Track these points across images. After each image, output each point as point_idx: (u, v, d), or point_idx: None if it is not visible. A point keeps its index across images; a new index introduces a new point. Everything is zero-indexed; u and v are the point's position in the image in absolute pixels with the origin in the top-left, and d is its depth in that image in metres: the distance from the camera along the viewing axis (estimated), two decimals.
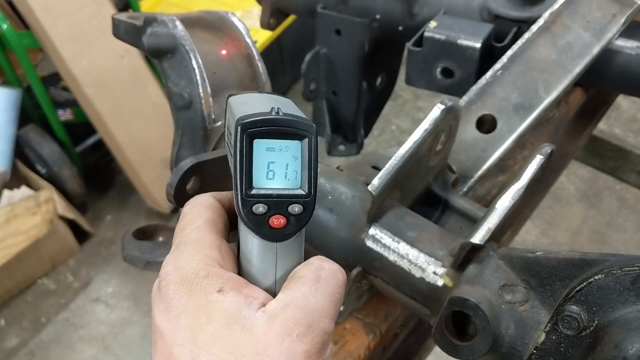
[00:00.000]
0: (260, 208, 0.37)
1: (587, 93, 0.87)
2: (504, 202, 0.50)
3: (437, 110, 0.55)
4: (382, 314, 0.65)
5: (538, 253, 0.47)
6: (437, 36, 0.77)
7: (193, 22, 0.62)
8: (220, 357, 0.34)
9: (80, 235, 2.19)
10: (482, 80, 0.71)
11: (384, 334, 0.64)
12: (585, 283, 0.42)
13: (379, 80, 1.02)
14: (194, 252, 0.38)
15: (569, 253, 0.45)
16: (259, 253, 0.39)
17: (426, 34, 0.77)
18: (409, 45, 0.80)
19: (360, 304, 0.59)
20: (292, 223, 0.37)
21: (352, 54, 0.95)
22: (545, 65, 0.71)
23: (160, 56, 0.58)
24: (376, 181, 0.52)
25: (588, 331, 0.42)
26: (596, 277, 0.42)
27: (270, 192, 0.37)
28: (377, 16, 0.91)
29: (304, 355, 0.35)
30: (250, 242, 0.39)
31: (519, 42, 0.72)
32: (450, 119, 0.57)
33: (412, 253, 0.52)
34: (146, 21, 0.58)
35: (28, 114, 2.29)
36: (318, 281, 0.38)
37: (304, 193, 0.37)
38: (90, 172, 2.32)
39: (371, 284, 0.57)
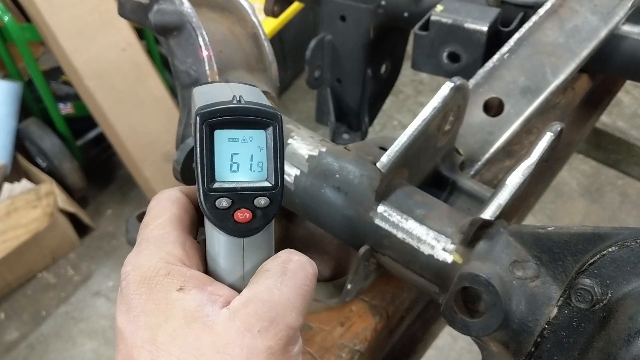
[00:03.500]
0: (223, 202, 0.35)
1: (593, 80, 0.87)
2: (515, 178, 0.50)
3: (446, 88, 0.55)
4: (389, 296, 0.65)
5: (549, 228, 0.47)
6: (443, 20, 0.76)
7: (199, 1, 0.62)
8: (180, 357, 0.33)
9: (81, 229, 2.18)
10: (490, 64, 0.71)
11: (391, 316, 0.64)
12: (598, 256, 0.42)
13: (383, 67, 1.02)
14: (155, 250, 0.37)
15: (581, 227, 0.44)
16: (225, 249, 0.37)
17: (433, 17, 0.77)
18: (415, 29, 0.79)
19: (368, 284, 0.59)
20: (258, 217, 0.36)
21: (357, 41, 0.95)
22: (552, 48, 0.70)
23: (167, 33, 0.58)
24: (385, 158, 0.52)
25: (601, 305, 0.41)
26: (610, 249, 0.41)
27: (234, 185, 0.35)
28: (383, 2, 0.90)
29: (267, 351, 0.33)
30: (216, 238, 0.37)
31: (526, 26, 0.71)
32: (459, 98, 0.57)
33: (421, 230, 0.51)
34: None
35: (29, 107, 2.29)
36: (284, 274, 0.36)
37: (270, 185, 0.36)
38: (91, 166, 2.32)
39: (378, 264, 0.57)
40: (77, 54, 2.04)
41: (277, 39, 2.42)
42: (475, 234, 0.49)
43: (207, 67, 0.57)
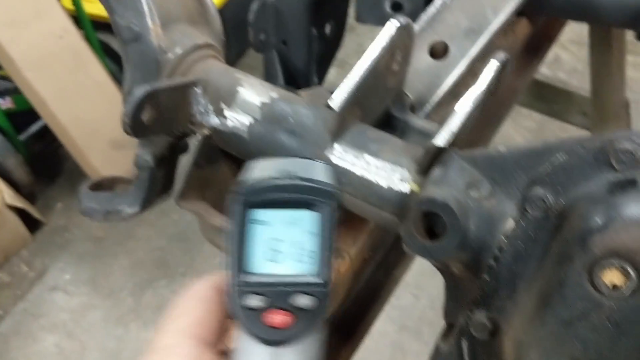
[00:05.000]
0: (254, 300, 0.28)
1: (533, 25, 0.89)
2: (464, 105, 0.51)
3: (391, 27, 0.55)
4: (350, 239, 0.65)
5: (501, 149, 0.48)
6: None
7: None
8: None
9: (32, 224, 2.12)
10: (432, 9, 0.72)
11: (354, 258, 0.64)
12: (548, 165, 0.43)
13: (328, 27, 1.02)
14: (167, 354, 0.32)
15: (531, 143, 0.46)
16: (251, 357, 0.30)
17: None
18: None
19: None
20: (300, 321, 0.29)
21: (299, 2, 0.95)
22: None
23: None
24: (337, 96, 0.52)
25: (555, 212, 0.43)
26: (558, 158, 0.43)
27: (270, 279, 0.28)
28: None
29: None
30: (247, 348, 0.30)
31: None
32: (404, 36, 0.57)
33: (377, 163, 0.52)
34: None
35: None
36: None
37: (317, 281, 0.29)
38: (37, 160, 2.25)
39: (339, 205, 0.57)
40: (12, 45, 1.97)
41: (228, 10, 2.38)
42: (430, 162, 0.50)
43: (148, 20, 0.56)
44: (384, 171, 0.52)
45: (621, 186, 0.40)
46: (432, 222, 0.49)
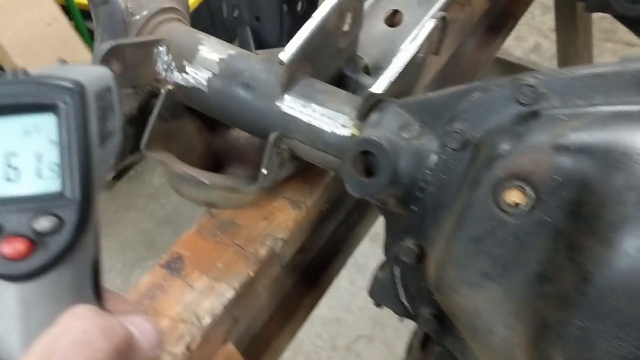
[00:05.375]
0: None
1: (490, 1, 0.94)
2: (402, 57, 0.56)
3: None
4: (307, 191, 0.71)
5: (429, 94, 0.53)
6: None
7: None
8: None
9: None
10: None
11: (310, 209, 0.70)
12: (466, 102, 0.49)
13: (299, 5, 1.07)
14: None
15: (455, 87, 0.51)
16: None
17: None
18: None
19: (284, 174, 0.64)
20: (41, 249, 0.23)
21: None
22: None
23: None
24: (287, 51, 0.57)
25: (471, 144, 0.48)
26: (475, 95, 0.48)
27: (3, 198, 0.24)
28: None
29: None
30: None
31: None
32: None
33: (322, 111, 0.57)
34: None
35: None
36: (50, 349, 0.24)
37: (60, 199, 0.24)
38: None
39: (292, 155, 0.63)
40: (1, 31, 2.02)
41: (206, 8, 2.43)
42: (368, 109, 0.56)
43: None
44: (328, 118, 0.57)
45: (524, 118, 0.45)
46: (370, 163, 0.54)
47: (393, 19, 0.77)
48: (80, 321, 0.25)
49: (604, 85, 0.43)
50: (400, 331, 1.75)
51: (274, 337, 0.77)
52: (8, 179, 0.24)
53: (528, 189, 0.43)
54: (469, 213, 0.46)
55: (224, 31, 2.61)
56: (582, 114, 0.43)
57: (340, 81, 0.68)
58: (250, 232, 0.67)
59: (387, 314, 1.99)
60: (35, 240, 0.23)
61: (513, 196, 0.44)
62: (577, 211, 0.41)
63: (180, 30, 0.64)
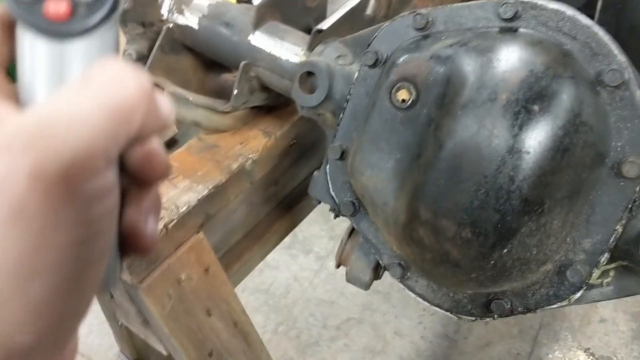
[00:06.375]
0: None
1: None
2: (347, 5, 0.72)
3: None
4: (278, 125, 0.86)
5: (361, 31, 0.68)
6: None
7: None
8: None
9: None
10: None
11: (278, 139, 0.84)
12: (380, 30, 0.63)
13: None
14: None
15: (379, 24, 0.66)
16: (32, 60, 0.28)
17: None
18: None
19: (255, 100, 0.79)
20: (80, 12, 0.27)
21: None
22: None
23: None
24: None
25: (382, 63, 0.63)
26: (387, 24, 0.63)
27: None
28: None
29: (30, 175, 0.23)
30: (28, 45, 0.28)
31: None
32: None
33: (282, 44, 0.72)
34: None
35: None
36: (86, 84, 0.26)
37: None
38: None
39: (261, 86, 0.78)
40: None
41: None
42: (316, 43, 0.71)
43: None
44: (285, 49, 0.72)
45: (417, 40, 0.60)
46: (313, 84, 0.69)
47: None
48: (111, 63, 0.27)
49: (473, 15, 0.57)
50: (388, 317, 1.86)
51: (245, 251, 0.92)
52: None
53: (412, 88, 0.57)
54: (373, 111, 0.60)
55: None
56: (455, 35, 0.57)
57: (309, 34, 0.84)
58: (228, 152, 0.82)
59: (377, 300, 2.10)
60: (75, 4, 0.27)
61: (402, 94, 0.58)
62: (442, 101, 0.55)
63: None
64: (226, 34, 0.75)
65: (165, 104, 0.29)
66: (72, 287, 0.26)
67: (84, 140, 0.24)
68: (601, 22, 0.84)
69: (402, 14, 0.63)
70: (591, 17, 0.85)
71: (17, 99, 0.29)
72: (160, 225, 0.73)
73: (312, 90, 0.69)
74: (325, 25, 0.70)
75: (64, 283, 0.25)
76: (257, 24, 0.74)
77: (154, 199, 0.32)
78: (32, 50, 0.27)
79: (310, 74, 0.68)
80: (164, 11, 0.79)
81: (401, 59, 0.59)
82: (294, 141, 0.89)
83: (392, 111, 0.59)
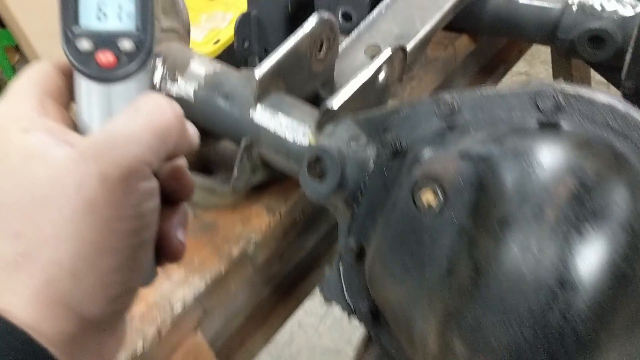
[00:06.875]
0: (84, 43, 0.35)
1: (475, 42, 1.02)
2: (359, 78, 0.64)
3: (314, 18, 0.69)
4: (283, 199, 0.78)
5: (373, 110, 0.61)
6: None
7: None
8: (16, 194, 0.32)
9: None
10: (370, 17, 0.86)
11: (284, 216, 0.77)
12: (397, 116, 0.56)
13: None
14: (7, 100, 0.36)
15: (394, 104, 0.59)
16: (87, 97, 0.36)
17: None
18: None
19: (257, 178, 0.72)
20: (123, 61, 0.35)
21: (278, 15, 1.10)
22: (421, 2, 0.86)
23: None
24: (261, 67, 0.66)
25: (400, 152, 0.55)
26: (405, 111, 0.55)
27: (98, 30, 0.36)
28: None
29: (99, 177, 0.32)
30: (81, 86, 0.36)
31: None
32: (326, 28, 0.71)
33: (287, 121, 0.65)
34: None
35: None
36: (135, 112, 0.34)
37: (136, 30, 0.36)
38: None
39: (264, 163, 0.70)
40: (49, 56, 2.17)
41: (218, 59, 2.45)
42: (325, 121, 0.63)
43: None
44: (291, 127, 0.65)
45: (442, 130, 0.52)
46: (323, 169, 0.62)
47: (372, 52, 0.85)
48: (151, 96, 0.36)
49: (506, 104, 0.50)
50: None
51: (248, 338, 0.84)
52: (99, 19, 0.36)
53: (439, 191, 0.50)
54: (394, 213, 0.53)
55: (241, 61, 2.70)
56: (485, 126, 0.50)
57: (315, 102, 0.76)
58: (227, 233, 0.74)
59: None
60: (119, 56, 0.36)
61: (427, 196, 0.50)
62: (476, 210, 0.47)
63: (176, 47, 0.73)
64: (225, 108, 0.68)
65: (192, 129, 0.38)
66: (130, 265, 0.33)
67: (136, 152, 0.33)
68: (631, 75, 0.78)
69: (423, 97, 0.55)
70: (619, 69, 0.79)
71: (75, 128, 0.36)
72: (152, 329, 0.65)
73: (321, 175, 0.61)
74: (335, 104, 0.62)
75: (124, 261, 0.33)
76: (260, 98, 0.67)
77: (182, 214, 0.40)
78: (88, 91, 0.36)
79: (320, 158, 0.60)
80: (156, 79, 0.72)
81: (425, 154, 0.52)
82: (301, 216, 0.81)
83: (416, 216, 0.51)
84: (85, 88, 0.36)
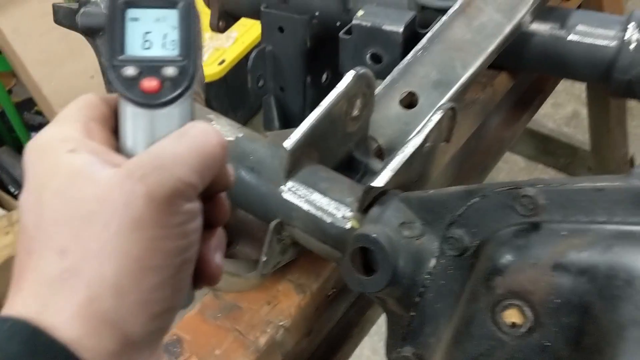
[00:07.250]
0: (130, 70, 0.35)
1: (514, 78, 0.93)
2: (407, 149, 0.55)
3: (349, 76, 0.60)
4: (313, 275, 0.69)
5: (431, 192, 0.51)
6: (364, 23, 0.82)
7: None
8: (62, 211, 0.33)
9: None
10: (404, 61, 0.77)
11: (315, 294, 0.67)
12: (465, 208, 0.46)
13: (324, 76, 1.08)
14: (54, 125, 0.37)
15: (456, 187, 0.49)
16: (132, 122, 0.37)
17: (354, 21, 0.83)
18: (340, 34, 0.85)
19: (287, 259, 0.63)
20: (167, 87, 0.36)
21: (295, 50, 1.00)
22: (461, 44, 0.76)
23: (94, 34, 0.63)
24: (291, 138, 0.57)
25: (470, 252, 0.46)
26: (474, 200, 0.46)
27: (143, 57, 0.36)
28: (316, 13, 0.96)
29: (146, 196, 0.32)
30: (126, 111, 0.36)
31: (437, 25, 0.77)
32: (362, 85, 0.62)
33: (324, 201, 0.56)
34: (80, 3, 0.63)
35: (2, 137, 2.32)
36: (182, 136, 0.35)
37: (179, 57, 0.36)
38: None
39: (294, 241, 0.61)
40: (45, 82, 2.10)
41: (223, 81, 2.31)
42: (369, 201, 0.54)
43: None
44: (329, 208, 0.55)
45: (524, 230, 0.43)
46: (370, 259, 0.52)
47: (408, 101, 0.76)
48: (197, 123, 0.36)
49: (607, 201, 0.40)
50: None
51: None
52: (144, 48, 0.36)
53: (527, 309, 0.40)
54: (468, 329, 0.43)
55: (239, 103, 2.47)
56: (584, 230, 0.40)
57: (350, 164, 0.67)
58: (252, 317, 0.65)
59: None
60: (163, 82, 0.36)
61: (512, 316, 0.41)
62: (578, 340, 0.38)
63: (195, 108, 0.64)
64: (251, 182, 0.59)
65: (231, 169, 0.40)
66: (172, 283, 0.34)
67: (182, 174, 0.34)
68: None
69: (495, 185, 0.46)
70: None
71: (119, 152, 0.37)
72: None
73: (366, 266, 0.52)
74: (380, 181, 0.53)
75: (167, 279, 0.34)
76: (291, 172, 0.57)
77: (219, 237, 0.40)
78: (132, 117, 0.36)
79: (367, 250, 0.51)
80: None
81: (504, 260, 0.42)
82: (334, 290, 0.72)
83: (496, 336, 0.42)
84: (130, 114, 0.36)
